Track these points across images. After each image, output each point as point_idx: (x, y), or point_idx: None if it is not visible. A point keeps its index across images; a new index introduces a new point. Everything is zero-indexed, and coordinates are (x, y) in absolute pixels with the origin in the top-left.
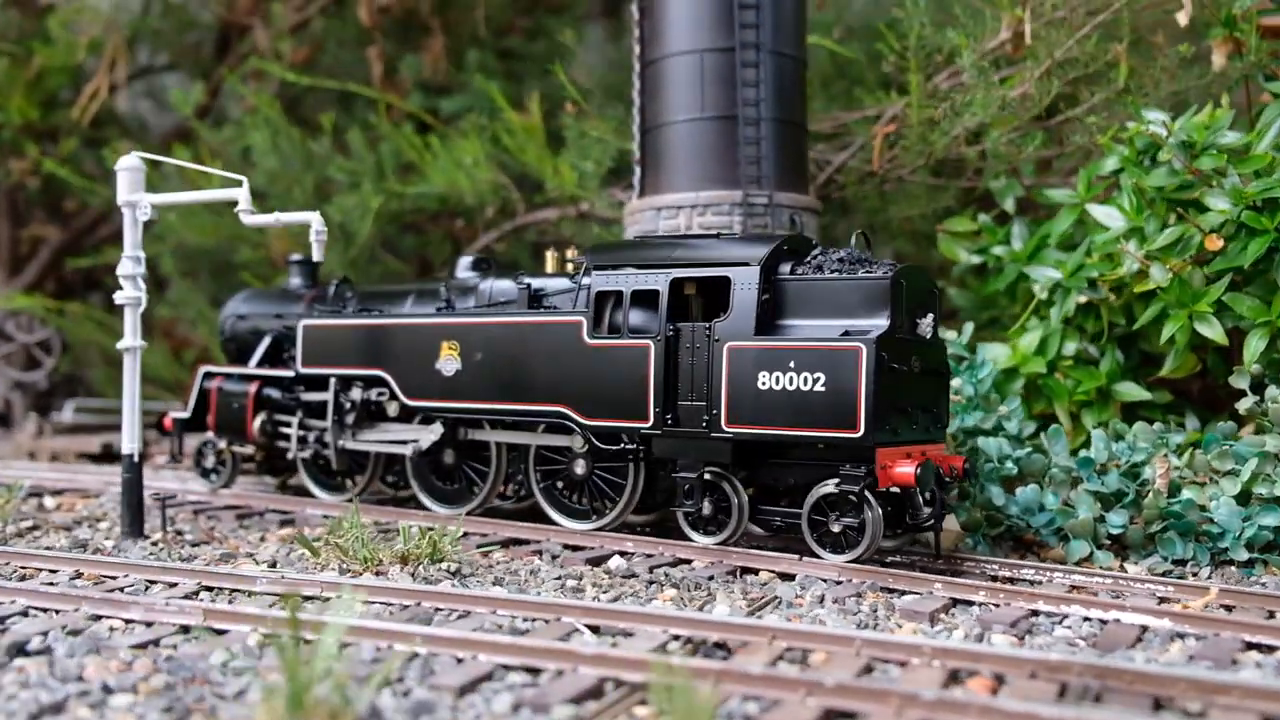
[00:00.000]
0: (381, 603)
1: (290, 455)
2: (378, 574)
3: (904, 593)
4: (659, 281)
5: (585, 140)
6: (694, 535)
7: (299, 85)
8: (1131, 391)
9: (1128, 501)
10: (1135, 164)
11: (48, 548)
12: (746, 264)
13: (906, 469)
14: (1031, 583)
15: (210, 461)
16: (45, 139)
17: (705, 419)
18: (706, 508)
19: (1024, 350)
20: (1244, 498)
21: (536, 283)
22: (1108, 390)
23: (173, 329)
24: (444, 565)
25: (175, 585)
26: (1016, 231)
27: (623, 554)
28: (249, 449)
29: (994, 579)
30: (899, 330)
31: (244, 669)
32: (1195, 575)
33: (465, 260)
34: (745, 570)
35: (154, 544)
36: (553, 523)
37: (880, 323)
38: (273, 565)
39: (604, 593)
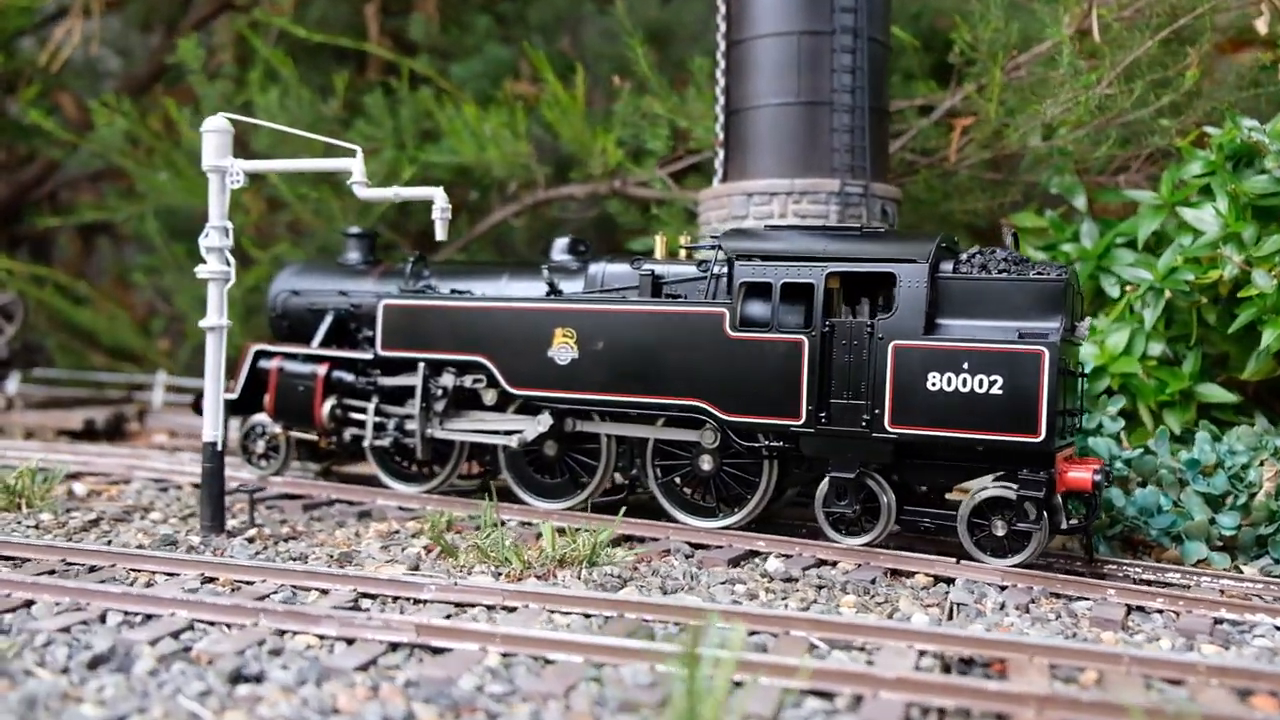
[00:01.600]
0: (580, 613)
1: (366, 443)
2: (540, 579)
3: (1075, 598)
4: (814, 275)
5: (639, 116)
6: (834, 535)
7: (291, 42)
8: (1214, 393)
9: (1238, 504)
10: (1224, 169)
11: (139, 547)
12: (914, 260)
13: (1083, 474)
14: (1183, 586)
15: (261, 447)
16: None
17: (865, 418)
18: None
19: (1111, 350)
20: None
21: (659, 269)
22: (1190, 391)
23: (125, 294)
24: (606, 569)
25: (327, 592)
26: (1086, 230)
27: (755, 553)
28: (312, 436)
29: (1138, 582)
30: (1067, 333)
31: (505, 694)
32: None
33: (561, 242)
34: (896, 573)
35: (250, 540)
36: (671, 520)
37: (1053, 325)
38: (415, 568)
39: (781, 599)
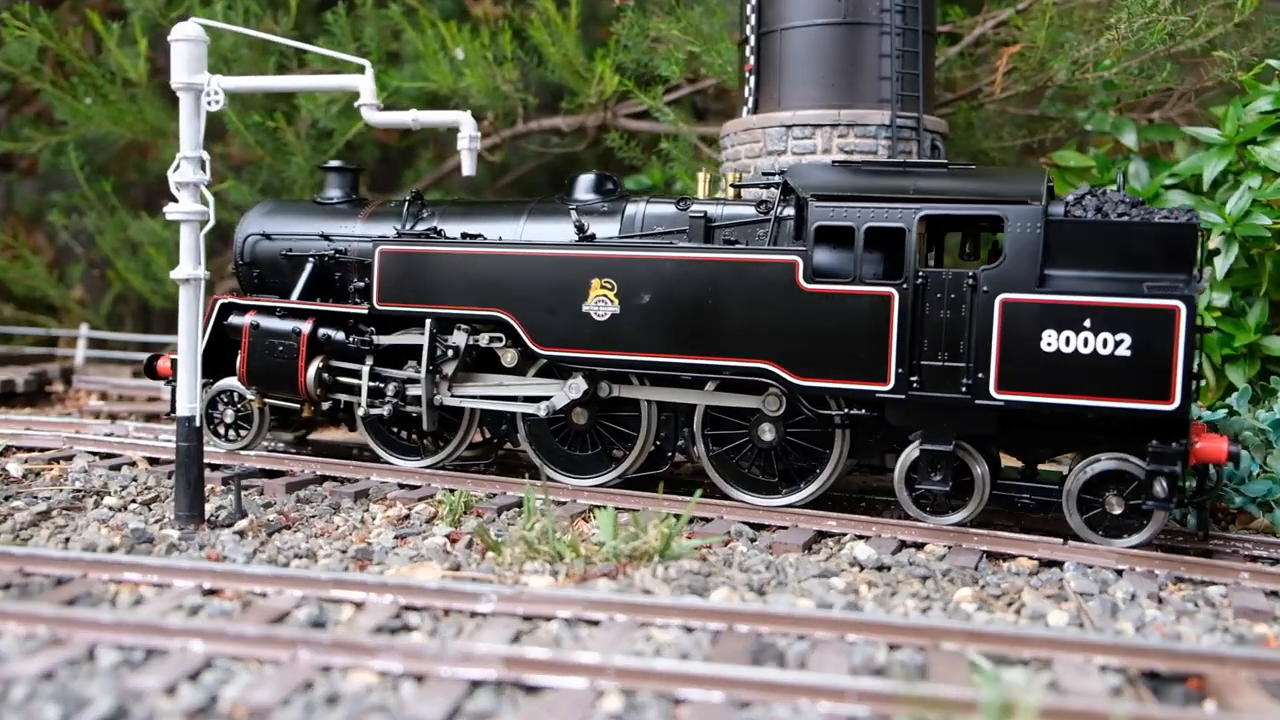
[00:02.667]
0: (680, 625)
1: (361, 412)
2: (609, 578)
3: (1203, 583)
4: (905, 218)
5: (643, 38)
6: (916, 512)
7: None
8: None
9: None
10: None
11: (110, 549)
12: (1025, 201)
13: (1219, 445)
14: None
15: (230, 417)
16: None
17: (966, 383)
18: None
19: None
20: None
21: (711, 209)
22: (1255, 345)
23: (37, 236)
24: (682, 564)
25: (362, 605)
26: (1134, 170)
27: (825, 534)
28: (293, 403)
29: (1253, 559)
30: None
31: None
32: None
33: (586, 178)
34: (993, 556)
35: (241, 534)
36: (725, 497)
37: (1180, 276)
38: (456, 568)
39: (889, 594)
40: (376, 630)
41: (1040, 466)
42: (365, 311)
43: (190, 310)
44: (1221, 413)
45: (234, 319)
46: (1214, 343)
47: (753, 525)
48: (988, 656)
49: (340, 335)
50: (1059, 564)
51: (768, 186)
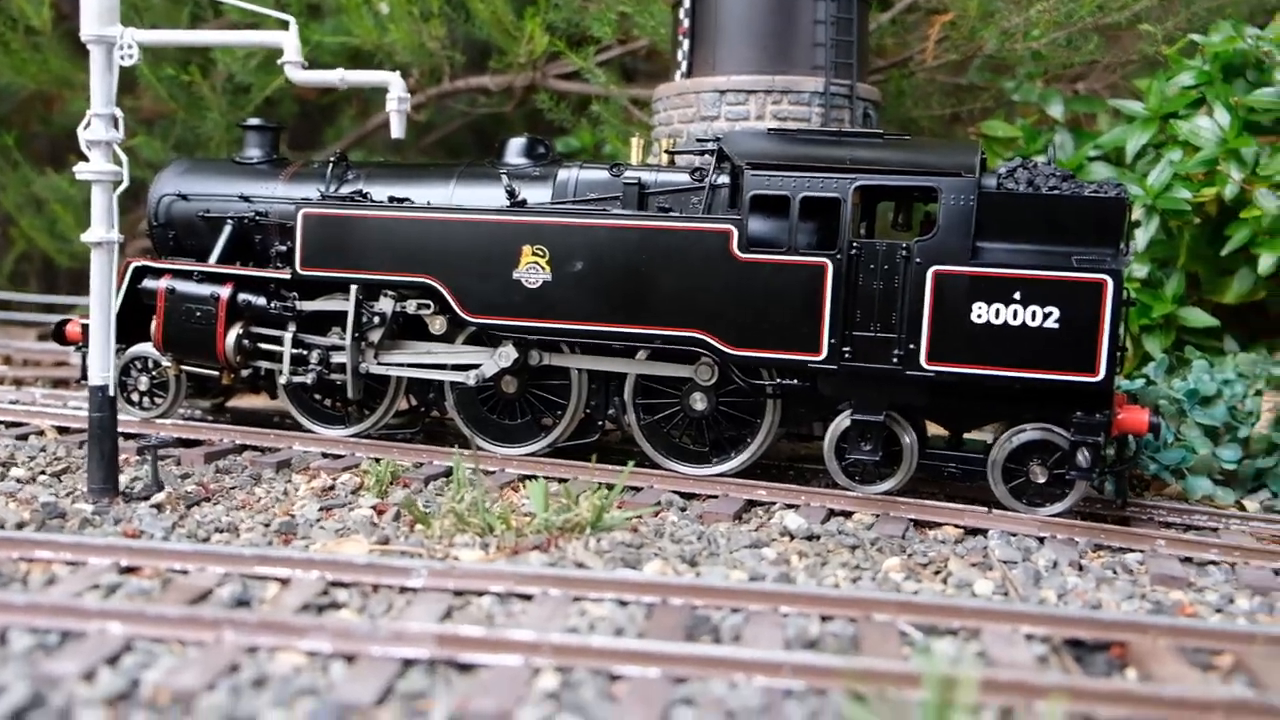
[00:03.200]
0: (614, 599)
1: (283, 380)
2: (540, 550)
3: (1121, 549)
4: (841, 188)
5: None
6: (845, 481)
7: None
8: (1196, 318)
9: (1238, 436)
10: (1219, 80)
11: (19, 525)
12: (958, 173)
13: (1140, 416)
14: (1213, 529)
15: (144, 385)
16: None
17: (898, 354)
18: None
19: None
20: None
21: (645, 176)
22: (1172, 315)
23: None
24: (615, 536)
25: (288, 582)
26: (1060, 141)
27: (755, 503)
28: (212, 371)
29: (1167, 526)
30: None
31: None
32: None
33: (518, 142)
34: (920, 524)
35: (158, 507)
36: (654, 466)
37: (1109, 250)
38: (384, 542)
39: (819, 564)
40: (303, 608)
41: (965, 436)
42: (288, 277)
43: (103, 275)
44: (1139, 383)
45: (148, 283)
46: (1132, 314)
47: (683, 495)
48: (918, 627)
49: (261, 301)
50: (984, 532)
51: (702, 153)
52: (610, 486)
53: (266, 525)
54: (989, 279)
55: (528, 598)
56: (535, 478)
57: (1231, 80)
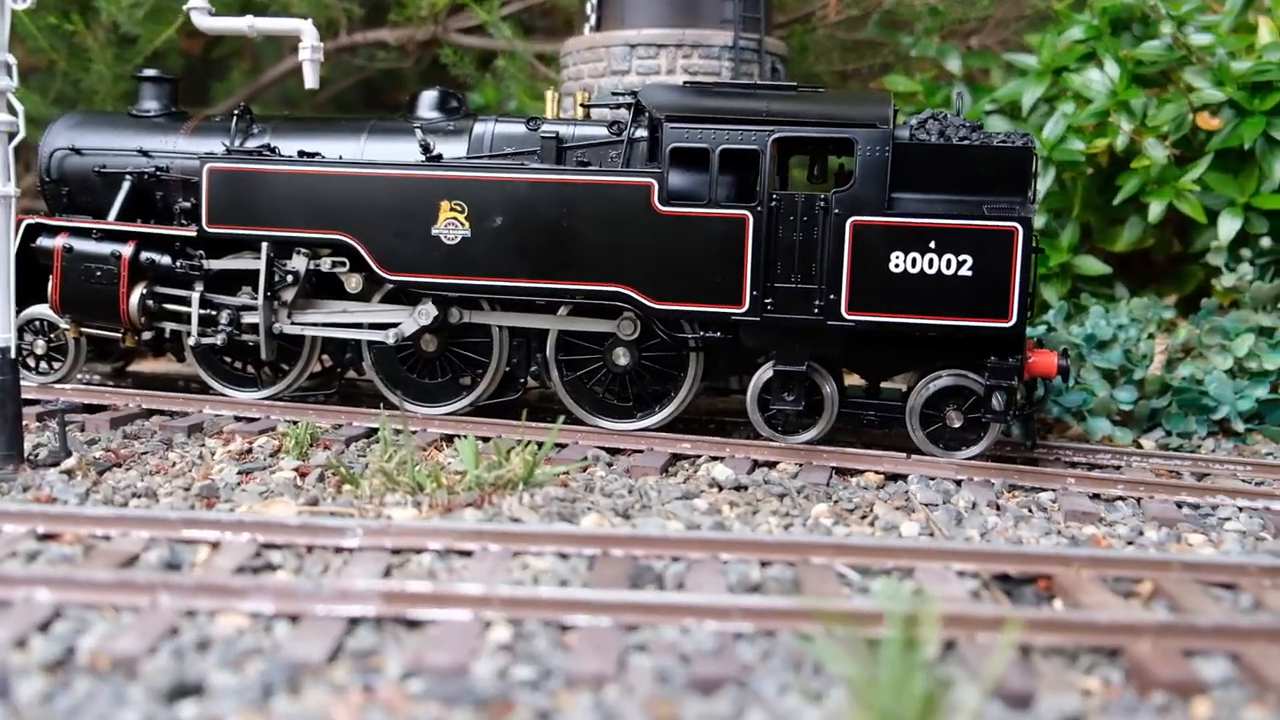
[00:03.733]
0: (554, 553)
1: (191, 341)
2: (475, 507)
3: (1034, 489)
4: (759, 140)
5: None
6: (768, 432)
7: None
8: (1091, 266)
9: (1134, 378)
10: (1107, 34)
11: None
12: (873, 125)
13: (1050, 360)
14: (1116, 468)
15: (41, 348)
16: None
17: (818, 304)
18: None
19: None
20: (1233, 372)
21: (563, 130)
22: (1068, 264)
23: None
24: (547, 491)
25: (218, 545)
26: (958, 95)
27: (679, 457)
28: (114, 333)
29: (1073, 465)
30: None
31: (538, 680)
32: (1198, 448)
33: (429, 95)
34: (842, 471)
35: (69, 473)
36: (578, 422)
37: (1017, 199)
38: (314, 502)
39: (750, 513)
40: (238, 571)
41: (882, 385)
42: (193, 234)
43: (2, 231)
44: (1041, 329)
45: (43, 241)
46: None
47: (609, 450)
48: (854, 568)
49: (166, 259)
50: (903, 477)
51: (618, 107)
52: (540, 444)
53: (186, 490)
54: (905, 229)
55: (467, 554)
56: (461, 436)
57: (1119, 34)
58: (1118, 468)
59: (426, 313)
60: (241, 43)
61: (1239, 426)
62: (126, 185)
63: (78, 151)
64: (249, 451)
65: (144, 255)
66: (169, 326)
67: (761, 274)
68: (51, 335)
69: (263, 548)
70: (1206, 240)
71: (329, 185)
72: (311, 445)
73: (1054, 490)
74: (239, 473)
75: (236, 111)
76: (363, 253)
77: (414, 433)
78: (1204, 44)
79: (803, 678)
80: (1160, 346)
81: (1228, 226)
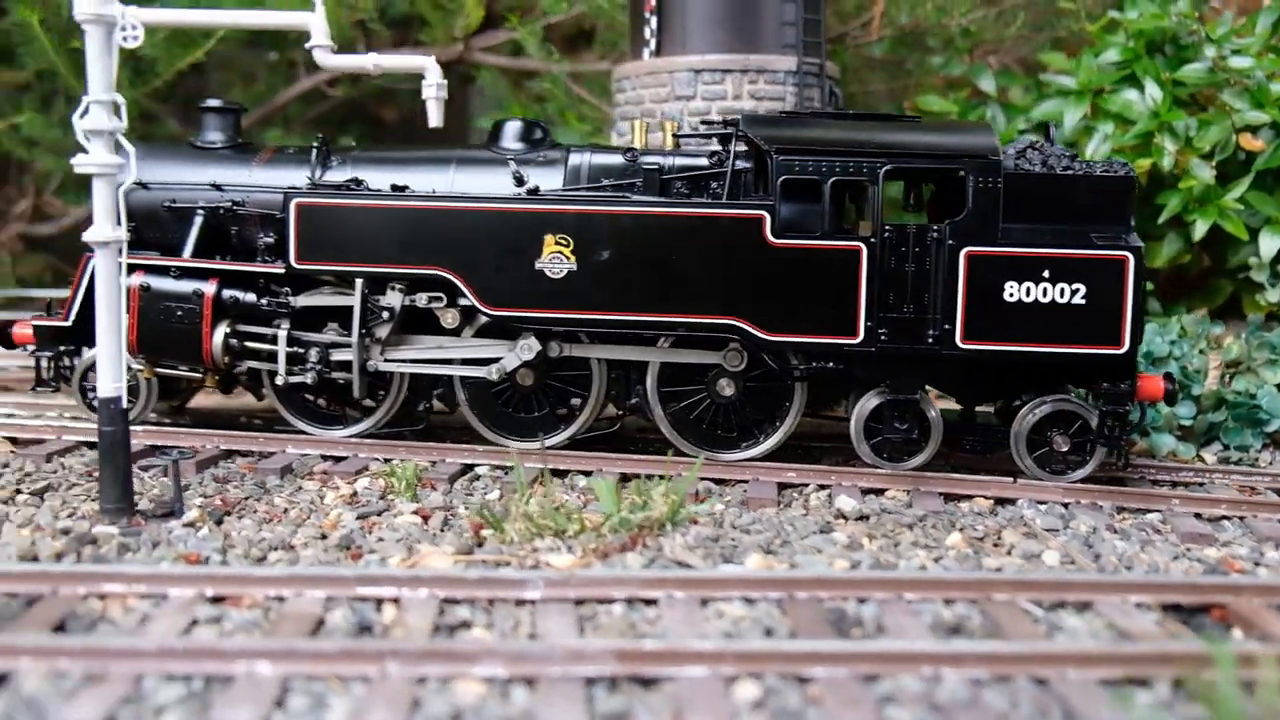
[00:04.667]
0: (740, 597)
1: (280, 380)
2: (625, 550)
3: (1140, 510)
4: (870, 171)
5: None
6: (874, 460)
7: None
8: None
9: (1191, 393)
10: (1146, 57)
11: (57, 556)
12: (984, 156)
13: (1157, 383)
14: (1199, 484)
15: None
16: None
17: (933, 334)
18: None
19: None
20: None
21: (662, 160)
22: None
23: None
24: (697, 530)
25: (398, 601)
26: (991, 115)
27: (785, 485)
28: (194, 373)
29: (1156, 483)
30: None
31: None
32: (1256, 461)
33: (514, 126)
34: (950, 497)
35: (193, 525)
36: (680, 453)
37: (1122, 226)
38: (468, 552)
39: (893, 545)
40: (435, 630)
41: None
42: (281, 271)
43: (109, 277)
44: None
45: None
46: None
47: (715, 480)
48: (1035, 603)
49: (251, 297)
50: (1012, 501)
51: (715, 137)
52: (661, 477)
53: (319, 539)
54: (1019, 258)
55: (652, 602)
56: (601, 476)
57: (1152, 55)
58: (1201, 485)
59: (529, 347)
60: (260, 60)
61: None
62: (199, 220)
63: (144, 186)
64: (355, 495)
65: (227, 293)
66: (253, 365)
67: (875, 305)
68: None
69: (445, 602)
70: (1244, 256)
71: (428, 219)
72: (419, 484)
73: (1160, 511)
74: (357, 518)
75: (315, 144)
76: (463, 288)
77: (504, 469)
78: (1243, 67)
79: None
80: (1214, 362)
81: (1269, 244)
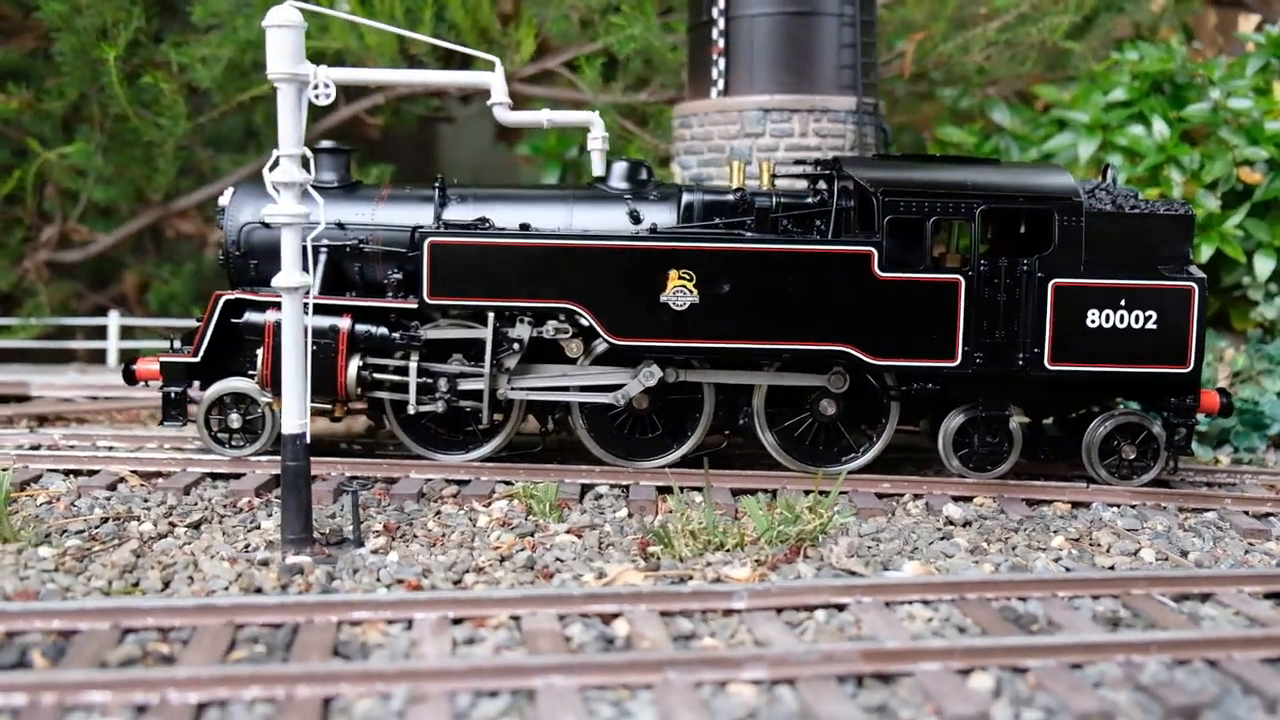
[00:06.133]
0: (918, 600)
1: (411, 409)
2: (774, 567)
3: (1199, 510)
4: (968, 211)
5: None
6: (960, 468)
7: None
8: None
9: None
10: (1153, 95)
11: (283, 588)
12: (1069, 198)
13: (1214, 398)
14: (1231, 485)
15: (237, 422)
16: None
17: (1023, 357)
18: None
19: None
20: None
21: (766, 200)
22: None
23: None
24: (849, 540)
25: (618, 616)
26: (1005, 146)
27: (882, 495)
28: (325, 405)
29: (1195, 485)
30: None
31: None
32: (1264, 461)
33: (621, 165)
34: (1033, 502)
35: (382, 551)
36: (784, 469)
37: (1184, 259)
38: (655, 569)
39: (1013, 548)
40: (676, 640)
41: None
42: (414, 306)
43: (294, 321)
44: None
45: (252, 316)
46: None
47: (820, 493)
48: (1169, 596)
49: (383, 330)
50: (1087, 505)
51: (812, 178)
52: (825, 493)
53: (501, 561)
54: (1100, 289)
55: (842, 607)
56: (754, 494)
57: (1152, 94)
58: (1233, 484)
59: (652, 374)
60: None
61: None
62: (323, 258)
63: (266, 225)
64: (507, 519)
65: (359, 328)
66: (383, 396)
67: (972, 331)
68: (249, 410)
69: (663, 615)
70: (1237, 276)
71: (559, 256)
72: (556, 505)
73: (1215, 510)
74: (518, 537)
75: (437, 184)
76: (590, 320)
77: (625, 488)
78: (1242, 108)
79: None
80: (1224, 373)
81: (1264, 265)
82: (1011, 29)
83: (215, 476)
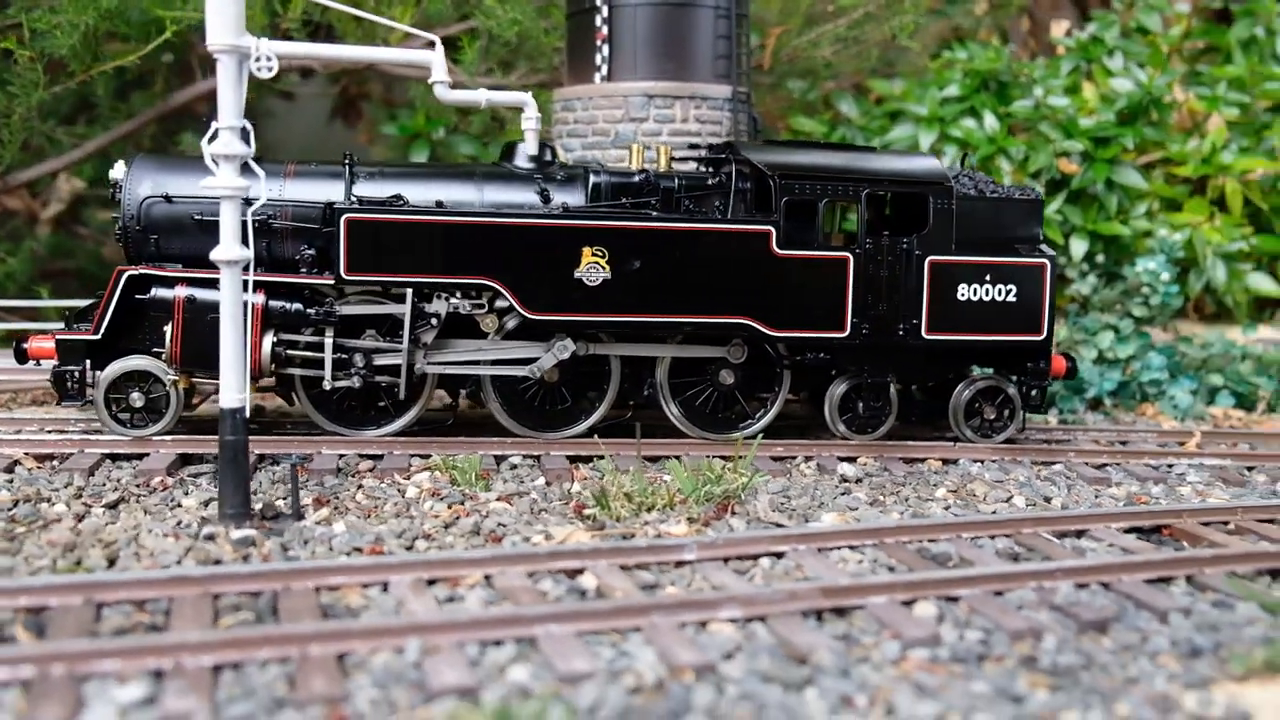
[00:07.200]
0: (846, 546)
1: (326, 385)
2: (707, 524)
3: (1049, 463)
4: (856, 194)
5: None
6: (844, 431)
7: None
8: None
9: None
10: (982, 91)
11: (244, 559)
12: (942, 183)
13: (1061, 362)
14: (1065, 440)
15: (139, 401)
16: None
17: (903, 328)
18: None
19: None
20: (1096, 360)
21: (669, 182)
22: None
23: None
24: (764, 501)
25: (581, 572)
26: (850, 135)
27: (777, 457)
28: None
29: (1049, 443)
30: None
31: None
32: (1082, 421)
33: (526, 146)
34: (909, 460)
35: (319, 524)
36: (684, 437)
37: (1036, 238)
38: (601, 527)
39: (903, 499)
40: (643, 589)
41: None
42: (330, 282)
43: (233, 295)
44: None
45: (159, 292)
46: None
47: (722, 458)
48: (1051, 534)
49: (298, 306)
50: (954, 461)
51: (707, 161)
52: (741, 458)
53: (445, 527)
54: (970, 265)
55: (781, 555)
56: (678, 459)
57: (982, 90)
58: (1068, 441)
59: (565, 347)
60: (155, 60)
61: (1108, 402)
62: None
63: (169, 199)
64: (439, 490)
65: (274, 303)
66: (296, 373)
67: (859, 305)
68: (153, 388)
69: (621, 569)
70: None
71: (475, 233)
72: (479, 476)
73: (1061, 462)
74: (448, 506)
75: (346, 161)
76: (507, 295)
77: (534, 458)
78: (1060, 105)
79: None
80: None
81: (1078, 246)
82: (859, 26)
83: (115, 458)
